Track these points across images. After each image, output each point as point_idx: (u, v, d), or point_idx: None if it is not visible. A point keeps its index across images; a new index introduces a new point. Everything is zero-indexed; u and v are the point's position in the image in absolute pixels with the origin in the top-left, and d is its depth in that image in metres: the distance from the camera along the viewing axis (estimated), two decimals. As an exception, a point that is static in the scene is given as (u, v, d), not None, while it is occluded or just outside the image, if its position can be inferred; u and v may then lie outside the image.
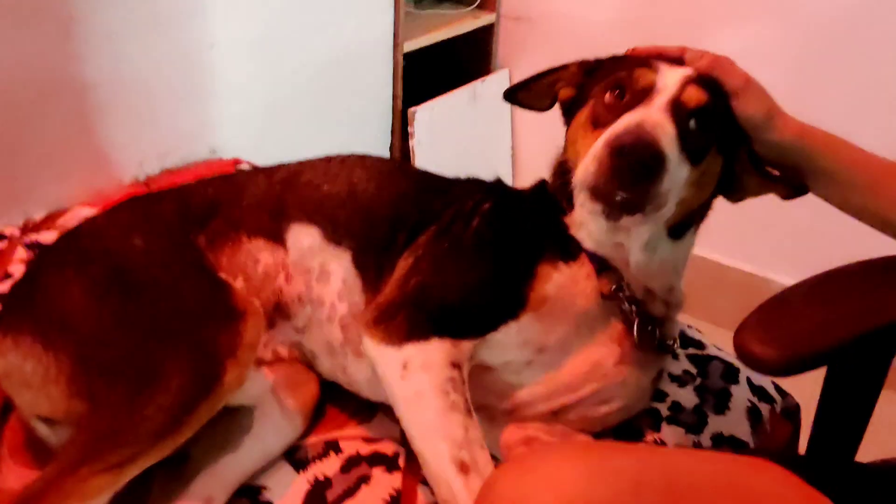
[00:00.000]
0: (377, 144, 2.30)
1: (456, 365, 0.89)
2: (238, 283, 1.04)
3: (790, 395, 1.21)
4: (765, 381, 1.20)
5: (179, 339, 0.91)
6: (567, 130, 1.00)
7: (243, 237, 1.07)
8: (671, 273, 0.99)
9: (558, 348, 0.96)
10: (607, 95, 0.91)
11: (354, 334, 1.02)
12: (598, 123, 0.90)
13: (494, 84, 2.54)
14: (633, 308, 0.96)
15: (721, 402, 1.14)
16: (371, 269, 1.03)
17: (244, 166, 1.74)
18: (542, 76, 1.02)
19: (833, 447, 1.00)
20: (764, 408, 1.16)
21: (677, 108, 0.87)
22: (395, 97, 2.26)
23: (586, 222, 0.96)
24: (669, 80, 0.89)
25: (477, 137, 2.54)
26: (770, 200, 1.00)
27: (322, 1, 1.97)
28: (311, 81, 2.02)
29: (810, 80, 1.95)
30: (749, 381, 1.19)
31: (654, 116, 0.85)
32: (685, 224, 0.97)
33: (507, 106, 2.59)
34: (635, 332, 0.96)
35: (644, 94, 0.88)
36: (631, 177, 0.81)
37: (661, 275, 0.98)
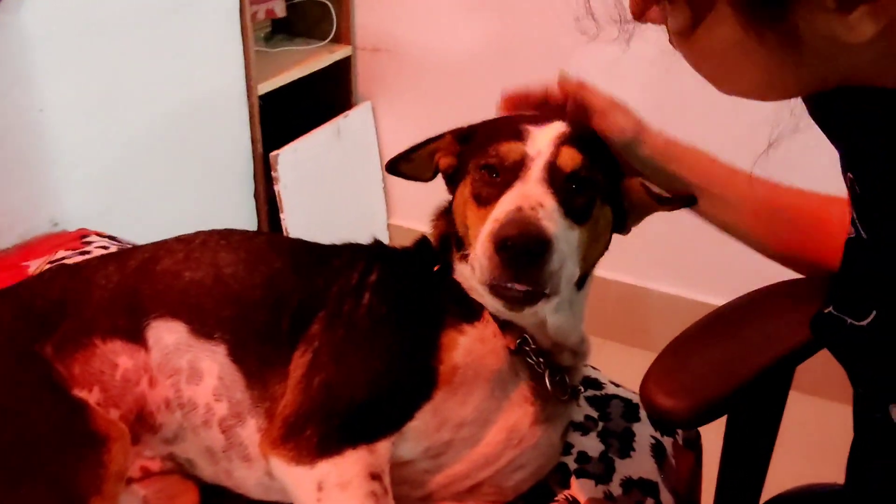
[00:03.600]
0: (241, 193, 2.17)
1: (376, 476, 0.82)
2: (94, 397, 0.92)
3: (689, 424, 1.21)
4: (664, 414, 1.19)
5: (31, 477, 0.79)
6: (453, 199, 0.96)
7: (97, 340, 0.94)
8: (580, 322, 0.97)
9: (477, 419, 0.91)
10: (482, 174, 0.87)
11: (241, 437, 0.92)
12: (482, 201, 0.87)
13: (357, 118, 2.47)
14: (541, 360, 0.92)
15: (625, 445, 1.12)
16: (253, 361, 0.93)
17: (92, 238, 1.59)
18: (421, 146, 0.97)
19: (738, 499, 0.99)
20: (667, 441, 1.15)
21: (553, 175, 0.84)
22: (254, 142, 2.14)
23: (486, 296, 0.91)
24: (541, 144, 0.86)
25: (345, 174, 2.46)
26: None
27: (166, 50, 1.83)
28: (162, 137, 1.87)
29: (668, 93, 2.01)
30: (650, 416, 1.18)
31: (531, 194, 0.82)
32: (586, 274, 0.94)
33: (373, 139, 2.55)
34: (548, 385, 0.92)
35: (517, 168, 0.85)
36: (520, 266, 0.78)
37: (576, 328, 0.96)
